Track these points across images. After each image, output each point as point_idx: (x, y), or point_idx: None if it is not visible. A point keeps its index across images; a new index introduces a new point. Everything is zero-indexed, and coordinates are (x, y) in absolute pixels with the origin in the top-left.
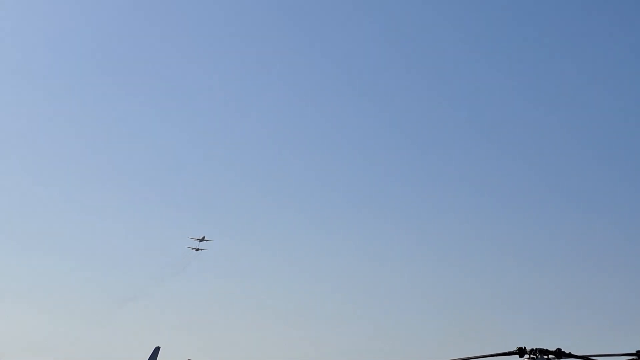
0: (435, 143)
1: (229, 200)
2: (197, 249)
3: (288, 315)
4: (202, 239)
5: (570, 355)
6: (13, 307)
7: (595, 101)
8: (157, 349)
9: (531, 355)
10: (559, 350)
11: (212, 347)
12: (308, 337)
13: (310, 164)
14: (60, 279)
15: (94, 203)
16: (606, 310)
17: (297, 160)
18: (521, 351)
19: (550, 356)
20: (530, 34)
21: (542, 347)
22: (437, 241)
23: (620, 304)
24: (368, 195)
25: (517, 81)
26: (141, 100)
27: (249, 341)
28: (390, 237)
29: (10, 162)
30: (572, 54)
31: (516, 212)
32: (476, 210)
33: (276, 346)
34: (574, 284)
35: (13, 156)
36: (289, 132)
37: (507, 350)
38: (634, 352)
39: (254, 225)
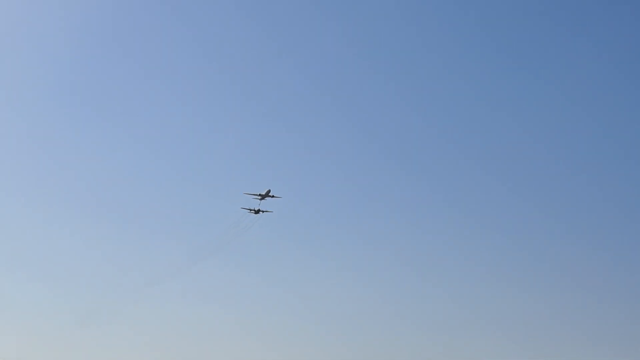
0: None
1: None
2: (257, 211)
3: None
4: (266, 195)
5: None
6: None
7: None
8: None
9: None
10: None
11: None
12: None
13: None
14: (28, 300)
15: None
16: (572, 324)
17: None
18: None
19: None
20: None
21: None
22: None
23: (586, 318)
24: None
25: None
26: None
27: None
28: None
29: None
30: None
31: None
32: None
33: None
34: (542, 301)
35: None
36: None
37: None
38: None
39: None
